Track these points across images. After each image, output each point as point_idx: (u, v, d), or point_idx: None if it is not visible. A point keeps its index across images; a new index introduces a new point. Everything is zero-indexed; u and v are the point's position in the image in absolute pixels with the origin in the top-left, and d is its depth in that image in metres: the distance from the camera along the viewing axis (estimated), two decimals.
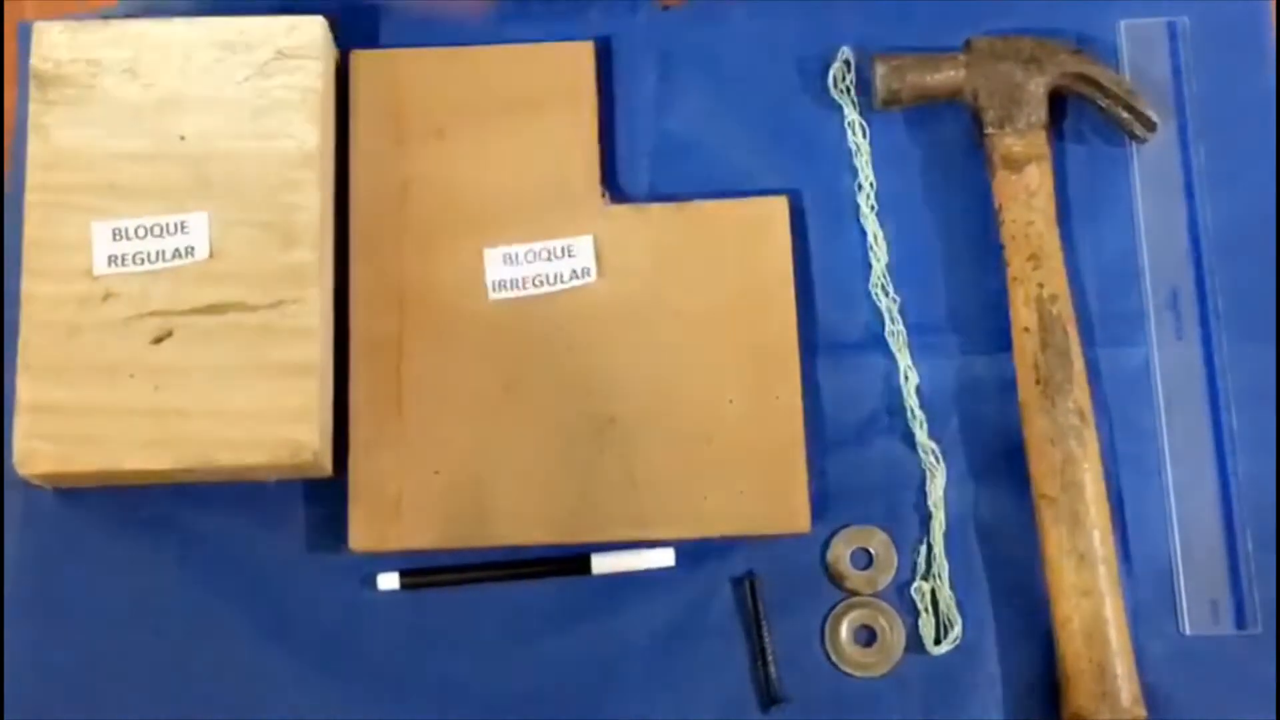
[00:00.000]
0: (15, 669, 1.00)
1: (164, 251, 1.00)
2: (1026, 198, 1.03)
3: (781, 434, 1.01)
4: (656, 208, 1.06)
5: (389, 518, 1.00)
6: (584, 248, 1.04)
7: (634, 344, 1.02)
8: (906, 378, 1.04)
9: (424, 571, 1.01)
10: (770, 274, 1.04)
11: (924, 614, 1.01)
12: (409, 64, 1.07)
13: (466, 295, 1.03)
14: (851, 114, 1.08)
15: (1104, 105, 1.06)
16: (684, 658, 1.00)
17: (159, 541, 1.02)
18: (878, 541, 1.02)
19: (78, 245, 1.00)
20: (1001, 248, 1.04)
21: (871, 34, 1.09)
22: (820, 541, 1.02)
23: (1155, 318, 1.05)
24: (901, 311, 1.05)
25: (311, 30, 1.04)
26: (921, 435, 1.03)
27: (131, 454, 0.97)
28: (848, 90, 1.09)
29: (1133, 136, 1.07)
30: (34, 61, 1.02)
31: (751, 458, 1.01)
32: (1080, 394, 1.00)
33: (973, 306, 1.05)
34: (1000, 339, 1.03)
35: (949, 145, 1.08)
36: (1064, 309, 1.01)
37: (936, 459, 1.03)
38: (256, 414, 0.97)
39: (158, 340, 0.99)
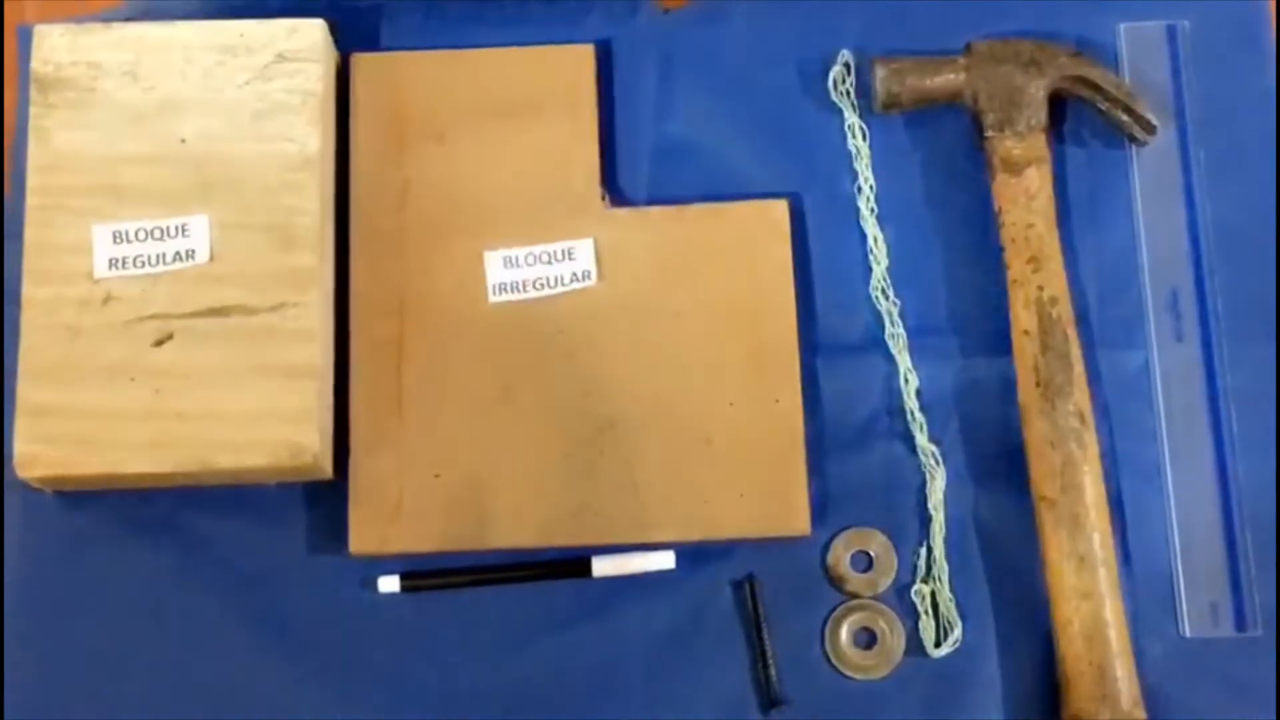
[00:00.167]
0: (15, 670, 1.00)
1: (164, 254, 1.00)
2: (1026, 200, 1.03)
3: (781, 436, 1.01)
4: (657, 210, 1.06)
5: (389, 520, 1.00)
6: (584, 250, 1.04)
7: (634, 347, 1.02)
8: (906, 380, 1.04)
9: (425, 574, 1.01)
10: (770, 277, 1.04)
11: (924, 616, 1.01)
12: (409, 67, 1.07)
13: (467, 298, 1.03)
14: (851, 117, 1.08)
15: (1104, 108, 1.06)
16: (684, 660, 1.00)
17: (159, 544, 1.01)
18: (878, 544, 1.02)
19: (78, 248, 1.00)
20: (1001, 250, 1.04)
21: (871, 37, 1.09)
22: (820, 544, 1.02)
23: (1155, 320, 1.05)
24: (901, 314, 1.05)
25: (312, 33, 1.04)
26: (921, 438, 1.03)
27: (132, 457, 0.97)
28: (848, 93, 1.09)
29: (1132, 139, 1.07)
30: (34, 64, 1.02)
31: (752, 460, 1.01)
32: (1080, 396, 1.00)
33: (973, 309, 1.05)
34: (1000, 341, 1.03)
35: (949, 148, 1.08)
36: (1064, 311, 1.01)
37: (936, 461, 1.03)
38: (257, 416, 0.97)
39: (158, 343, 0.99)
